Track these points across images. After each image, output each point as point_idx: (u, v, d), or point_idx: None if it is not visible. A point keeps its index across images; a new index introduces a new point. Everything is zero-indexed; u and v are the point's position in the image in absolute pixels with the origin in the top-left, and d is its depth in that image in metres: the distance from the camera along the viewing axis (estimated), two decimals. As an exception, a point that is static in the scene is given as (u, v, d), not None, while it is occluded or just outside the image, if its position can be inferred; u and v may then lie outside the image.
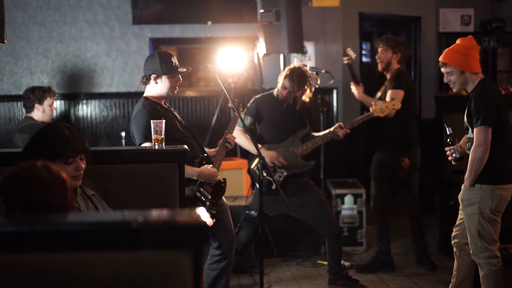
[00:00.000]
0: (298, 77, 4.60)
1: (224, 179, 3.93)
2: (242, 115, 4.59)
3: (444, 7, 7.35)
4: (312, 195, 4.75)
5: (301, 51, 5.77)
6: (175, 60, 3.79)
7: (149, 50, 6.31)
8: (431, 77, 7.53)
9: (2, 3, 3.29)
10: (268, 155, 4.59)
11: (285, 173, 4.69)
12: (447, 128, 3.85)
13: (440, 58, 3.84)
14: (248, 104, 4.71)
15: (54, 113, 6.11)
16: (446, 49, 3.86)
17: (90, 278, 1.54)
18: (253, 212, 4.80)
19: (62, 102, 6.23)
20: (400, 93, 5.02)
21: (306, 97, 4.68)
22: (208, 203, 3.73)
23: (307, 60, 6.53)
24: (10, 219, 1.77)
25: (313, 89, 4.71)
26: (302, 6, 6.03)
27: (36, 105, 5.10)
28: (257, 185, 4.63)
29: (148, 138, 3.49)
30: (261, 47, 5.81)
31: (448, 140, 3.85)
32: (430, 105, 6.74)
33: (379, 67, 5.23)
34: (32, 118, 5.12)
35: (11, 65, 6.09)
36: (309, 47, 6.52)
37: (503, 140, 3.76)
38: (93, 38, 6.21)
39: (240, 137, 4.63)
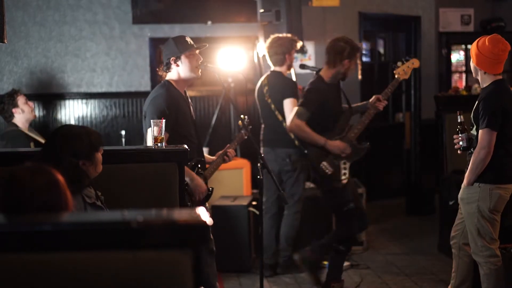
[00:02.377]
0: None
1: (212, 188, 3.88)
2: (299, 107, 4.51)
3: (444, 7, 7.36)
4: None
5: (301, 50, 5.77)
6: (189, 39, 3.76)
7: (149, 50, 6.32)
8: (431, 76, 7.54)
9: (2, 3, 3.29)
10: (336, 147, 4.42)
11: (348, 164, 4.51)
12: (458, 117, 3.84)
13: (472, 45, 3.85)
14: (304, 94, 4.57)
15: (55, 112, 6.13)
16: (478, 39, 3.81)
17: (90, 278, 1.54)
18: (351, 205, 4.50)
19: (62, 101, 6.23)
20: None
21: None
22: (189, 203, 3.70)
23: (307, 60, 6.54)
24: (10, 219, 1.77)
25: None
26: (302, 6, 6.04)
27: (14, 110, 5.03)
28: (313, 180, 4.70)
29: None
30: (261, 46, 5.82)
31: (458, 128, 3.84)
32: (430, 105, 6.74)
33: None
34: (14, 125, 5.06)
35: (10, 64, 6.09)
36: (309, 46, 6.52)
37: (505, 140, 3.75)
38: (92, 37, 6.21)
39: (302, 129, 4.48)
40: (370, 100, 4.63)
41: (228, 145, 4.07)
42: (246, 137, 4.03)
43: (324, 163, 4.46)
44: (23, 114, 5.02)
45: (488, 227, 3.75)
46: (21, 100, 5.05)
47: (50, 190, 1.96)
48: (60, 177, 1.98)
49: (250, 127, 4.01)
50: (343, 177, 4.46)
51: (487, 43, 3.73)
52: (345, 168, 4.48)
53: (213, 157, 4.04)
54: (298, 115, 4.49)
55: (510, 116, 3.75)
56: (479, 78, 3.83)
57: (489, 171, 3.74)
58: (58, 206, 1.96)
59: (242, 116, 3.95)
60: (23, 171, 1.96)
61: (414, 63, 4.70)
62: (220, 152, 4.04)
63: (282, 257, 5.13)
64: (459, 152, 3.90)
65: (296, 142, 4.98)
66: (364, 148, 4.57)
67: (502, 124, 3.71)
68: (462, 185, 3.86)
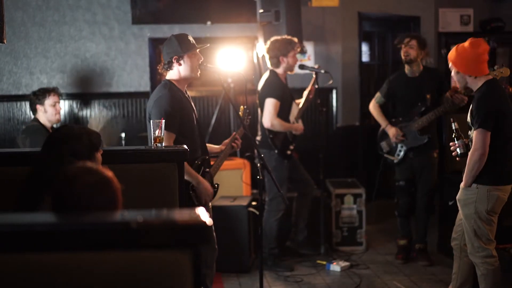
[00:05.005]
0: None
1: (217, 184, 3.90)
2: (378, 92, 5.48)
3: (444, 7, 7.35)
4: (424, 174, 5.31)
5: (301, 51, 5.77)
6: (191, 38, 3.75)
7: (149, 50, 6.31)
8: (431, 77, 7.52)
9: (2, 3, 3.29)
10: (391, 132, 5.31)
11: (404, 148, 5.30)
12: (452, 124, 3.83)
13: (449, 54, 3.84)
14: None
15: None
16: (456, 47, 3.82)
17: (90, 278, 1.54)
18: (401, 183, 5.37)
19: (62, 102, 6.21)
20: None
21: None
22: (197, 203, 3.71)
23: (306, 60, 6.53)
24: (10, 220, 1.76)
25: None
26: (302, 6, 6.03)
27: (38, 106, 5.06)
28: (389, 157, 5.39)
29: (167, 128, 3.43)
30: (261, 47, 5.81)
31: (453, 135, 3.83)
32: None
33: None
34: (37, 120, 5.08)
35: (10, 65, 6.09)
36: (309, 47, 6.52)
37: (502, 141, 3.75)
38: (92, 38, 6.21)
39: (375, 111, 5.46)
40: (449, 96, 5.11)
41: (234, 132, 4.10)
42: (244, 131, 4.06)
43: (384, 142, 5.43)
44: (44, 114, 5.04)
45: (485, 228, 3.74)
46: (50, 100, 5.06)
47: (103, 189, 2.02)
48: (112, 177, 2.05)
49: (250, 116, 4.07)
50: (396, 156, 5.31)
51: (468, 47, 3.73)
52: (400, 151, 5.30)
53: (219, 146, 4.05)
54: (375, 98, 5.50)
55: (506, 116, 3.73)
56: (469, 85, 3.82)
57: (487, 173, 3.73)
58: (110, 205, 2.02)
59: (242, 107, 3.97)
60: (76, 170, 2.03)
61: (503, 72, 4.77)
62: (227, 140, 4.05)
63: (265, 251, 5.23)
64: (457, 159, 3.89)
65: (269, 141, 5.16)
66: (421, 139, 5.21)
67: (498, 125, 3.70)
68: (460, 186, 3.86)
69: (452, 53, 3.81)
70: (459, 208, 3.88)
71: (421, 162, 5.29)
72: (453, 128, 3.83)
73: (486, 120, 3.66)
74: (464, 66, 3.73)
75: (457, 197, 3.88)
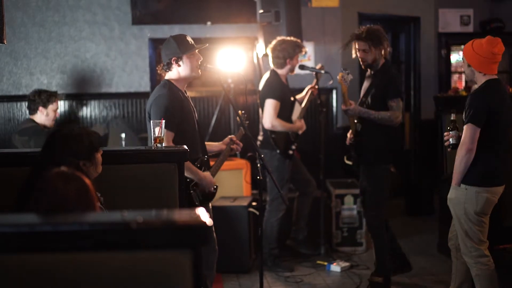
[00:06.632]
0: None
1: (216, 186, 3.90)
2: None
3: (444, 8, 7.35)
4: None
5: (301, 51, 5.77)
6: (190, 39, 3.76)
7: (149, 51, 6.32)
8: (431, 77, 7.54)
9: (2, 4, 3.29)
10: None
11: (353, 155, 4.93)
12: (451, 114, 3.83)
13: (464, 47, 3.81)
14: None
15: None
16: (472, 41, 3.77)
17: (90, 278, 1.54)
18: (364, 188, 4.83)
19: (62, 102, 6.22)
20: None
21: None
22: (197, 203, 3.72)
23: (306, 61, 6.54)
24: (10, 220, 1.77)
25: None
26: (302, 7, 6.04)
27: (41, 108, 5.07)
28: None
29: (166, 126, 3.44)
30: (261, 47, 5.81)
31: (449, 126, 3.82)
32: (430, 105, 6.74)
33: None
34: (33, 121, 5.09)
35: (10, 65, 6.09)
36: (309, 47, 6.52)
37: (494, 142, 3.72)
38: (92, 38, 6.21)
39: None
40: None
41: (234, 136, 4.10)
42: (244, 133, 4.05)
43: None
44: (45, 117, 5.05)
45: (475, 229, 3.71)
46: (54, 105, 5.08)
47: (81, 196, 2.02)
48: (89, 184, 2.05)
49: (247, 122, 4.07)
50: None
51: (485, 44, 3.70)
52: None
53: (218, 143, 4.05)
54: None
55: (498, 116, 3.70)
56: (475, 79, 3.81)
57: (476, 174, 3.69)
58: (87, 211, 2.02)
59: (240, 112, 3.98)
60: (56, 176, 2.02)
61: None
62: (227, 139, 4.04)
63: (265, 251, 5.21)
64: (448, 149, 3.89)
65: (272, 141, 5.15)
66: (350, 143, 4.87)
67: (490, 124, 3.68)
68: (451, 185, 3.84)
69: (467, 47, 3.77)
70: (450, 208, 3.86)
71: (364, 174, 4.76)
72: (451, 118, 3.82)
73: (476, 116, 3.63)
74: (476, 61, 3.71)
75: (448, 196, 3.86)
